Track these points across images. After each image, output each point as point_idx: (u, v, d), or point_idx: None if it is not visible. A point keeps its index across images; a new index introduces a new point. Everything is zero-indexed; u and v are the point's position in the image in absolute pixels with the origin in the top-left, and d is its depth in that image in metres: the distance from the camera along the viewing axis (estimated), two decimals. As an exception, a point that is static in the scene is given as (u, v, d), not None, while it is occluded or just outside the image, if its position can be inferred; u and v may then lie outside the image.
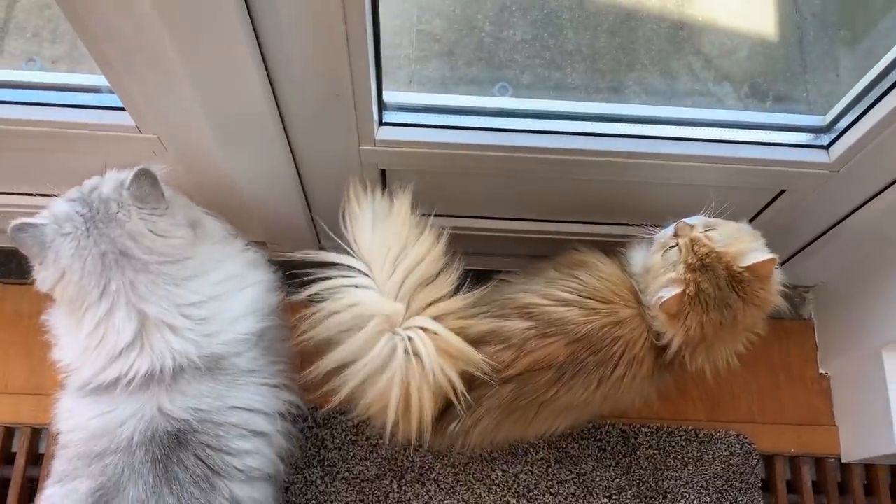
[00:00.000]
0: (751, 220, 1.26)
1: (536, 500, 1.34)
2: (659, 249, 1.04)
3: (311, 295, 1.00)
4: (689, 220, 1.03)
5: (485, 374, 1.02)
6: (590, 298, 1.05)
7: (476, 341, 1.04)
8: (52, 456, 1.00)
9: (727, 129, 1.11)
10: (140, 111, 1.02)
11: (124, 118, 1.04)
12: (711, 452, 1.38)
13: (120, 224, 0.93)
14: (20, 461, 1.34)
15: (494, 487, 1.34)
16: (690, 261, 0.99)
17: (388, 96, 1.05)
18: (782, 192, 1.19)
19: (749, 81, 1.59)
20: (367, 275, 1.01)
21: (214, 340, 0.96)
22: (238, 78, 0.89)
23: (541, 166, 1.11)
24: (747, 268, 0.98)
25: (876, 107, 1.00)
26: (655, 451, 1.38)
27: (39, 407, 1.32)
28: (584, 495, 1.35)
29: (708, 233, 1.01)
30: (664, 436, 1.39)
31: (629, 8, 1.64)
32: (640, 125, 1.11)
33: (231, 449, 0.95)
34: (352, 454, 1.34)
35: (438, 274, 1.04)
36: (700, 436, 1.39)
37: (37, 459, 1.36)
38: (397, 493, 1.33)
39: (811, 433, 1.42)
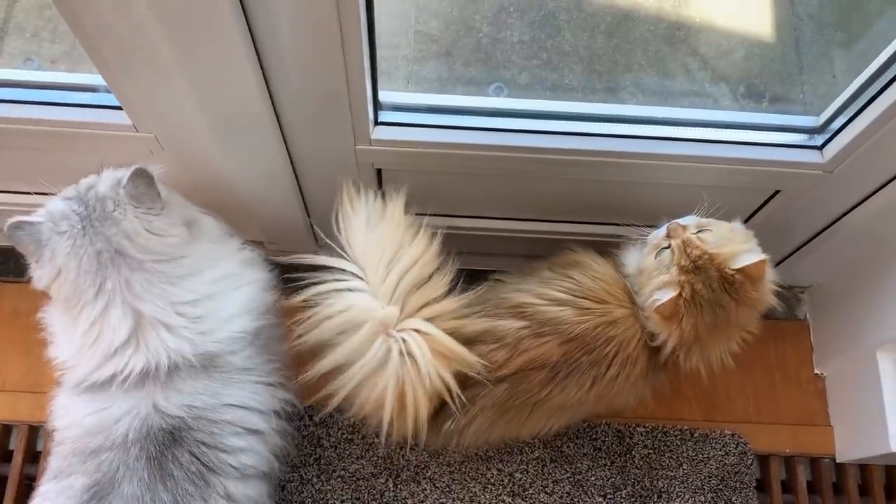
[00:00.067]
0: (746, 221, 1.26)
1: (532, 498, 1.35)
2: (652, 251, 1.04)
3: (305, 299, 1.01)
4: (681, 221, 1.04)
5: (479, 374, 1.03)
6: (584, 298, 1.06)
7: (470, 341, 1.04)
8: (49, 453, 1.00)
9: (722, 130, 1.11)
10: (137, 110, 1.02)
11: (121, 117, 1.04)
12: (706, 452, 1.38)
13: (116, 223, 0.93)
14: (18, 458, 1.34)
15: (490, 486, 1.35)
16: (683, 263, 1.00)
17: (383, 96, 1.06)
18: (777, 192, 1.19)
19: (746, 82, 1.59)
20: (360, 278, 1.01)
21: (209, 338, 0.96)
22: (233, 77, 0.90)
23: (536, 166, 1.12)
24: (738, 270, 0.98)
25: (869, 108, 1.01)
26: (651, 451, 1.38)
27: (37, 404, 1.32)
28: (580, 494, 1.35)
29: (700, 234, 1.01)
30: (659, 435, 1.39)
31: (626, 9, 1.64)
32: (635, 125, 1.12)
33: (226, 446, 0.96)
34: (348, 452, 1.35)
35: (432, 275, 1.04)
36: (695, 435, 1.39)
37: (34, 457, 1.37)
38: (393, 491, 1.33)
39: (806, 433, 1.43)
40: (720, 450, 1.39)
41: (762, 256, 0.99)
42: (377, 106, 1.05)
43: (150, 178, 0.95)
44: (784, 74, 1.62)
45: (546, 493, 1.35)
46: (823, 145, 1.09)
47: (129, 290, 0.93)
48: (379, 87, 1.04)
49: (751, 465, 1.38)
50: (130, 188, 0.95)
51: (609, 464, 1.37)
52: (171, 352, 0.94)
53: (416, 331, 0.99)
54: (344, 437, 1.35)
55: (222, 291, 0.99)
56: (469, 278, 1.07)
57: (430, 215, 1.05)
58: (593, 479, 1.36)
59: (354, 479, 1.34)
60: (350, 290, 1.00)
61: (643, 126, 1.12)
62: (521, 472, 1.36)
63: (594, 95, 1.57)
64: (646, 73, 1.59)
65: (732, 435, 1.40)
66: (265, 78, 0.93)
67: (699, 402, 1.44)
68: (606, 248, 1.13)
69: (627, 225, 1.09)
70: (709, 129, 1.12)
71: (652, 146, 1.10)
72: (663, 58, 1.61)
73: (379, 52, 0.98)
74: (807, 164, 1.10)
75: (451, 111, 1.11)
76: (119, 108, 1.03)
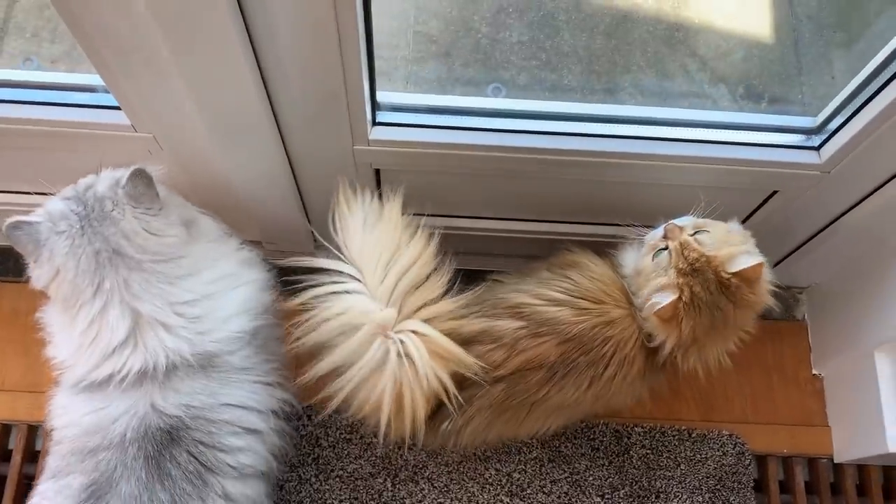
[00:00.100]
0: (744, 221, 1.27)
1: (529, 498, 1.35)
2: (649, 252, 1.04)
3: (303, 302, 1.01)
4: (678, 222, 1.04)
5: (476, 375, 1.03)
6: (581, 298, 1.06)
7: (468, 341, 1.05)
8: (47, 453, 1.00)
9: (719, 131, 1.12)
10: (135, 110, 1.02)
11: (120, 117, 1.04)
12: (704, 452, 1.39)
13: (114, 222, 0.94)
14: (17, 458, 1.34)
15: (488, 486, 1.35)
16: (681, 266, 1.00)
17: (381, 96, 1.06)
18: (774, 192, 1.19)
19: (745, 83, 1.59)
20: (358, 279, 1.01)
21: (207, 338, 0.96)
22: (231, 77, 0.90)
23: (534, 167, 1.12)
24: (735, 273, 0.99)
25: (865, 108, 1.01)
26: (648, 451, 1.39)
27: (36, 404, 1.33)
28: (577, 494, 1.35)
29: (697, 236, 1.01)
30: (657, 435, 1.39)
31: (625, 10, 1.64)
32: (633, 126, 1.12)
33: (224, 446, 0.96)
34: (346, 452, 1.35)
35: (430, 275, 1.04)
36: (693, 436, 1.40)
37: (33, 456, 1.37)
38: (391, 491, 1.33)
39: (804, 433, 1.43)
40: (718, 450, 1.39)
41: (759, 259, 0.99)
42: (375, 106, 1.06)
43: (148, 178, 0.96)
44: (783, 75, 1.62)
45: (544, 493, 1.35)
46: (820, 146, 1.09)
47: (128, 289, 0.93)
48: (378, 87, 1.05)
49: (748, 465, 1.39)
50: (129, 188, 0.95)
51: (607, 464, 1.37)
52: (170, 351, 0.94)
53: (414, 332, 0.99)
54: (342, 436, 1.36)
55: (220, 291, 1.00)
56: (466, 278, 1.07)
57: (428, 215, 1.06)
58: (591, 479, 1.36)
59: (352, 478, 1.34)
60: (347, 292, 1.00)
61: (641, 127, 1.12)
62: (519, 472, 1.36)
63: (593, 96, 1.57)
64: (645, 74, 1.59)
65: (730, 435, 1.40)
66: (263, 78, 0.93)
67: (697, 402, 1.44)
68: (604, 249, 1.13)
69: (625, 225, 1.10)
70: (706, 130, 1.12)
71: (649, 147, 1.10)
72: (662, 59, 1.61)
73: (378, 53, 0.98)
74: (804, 164, 1.10)
75: (450, 111, 1.11)
76: (118, 108, 1.03)
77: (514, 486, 1.35)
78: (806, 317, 1.51)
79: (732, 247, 1.01)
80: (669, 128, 1.11)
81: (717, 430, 1.40)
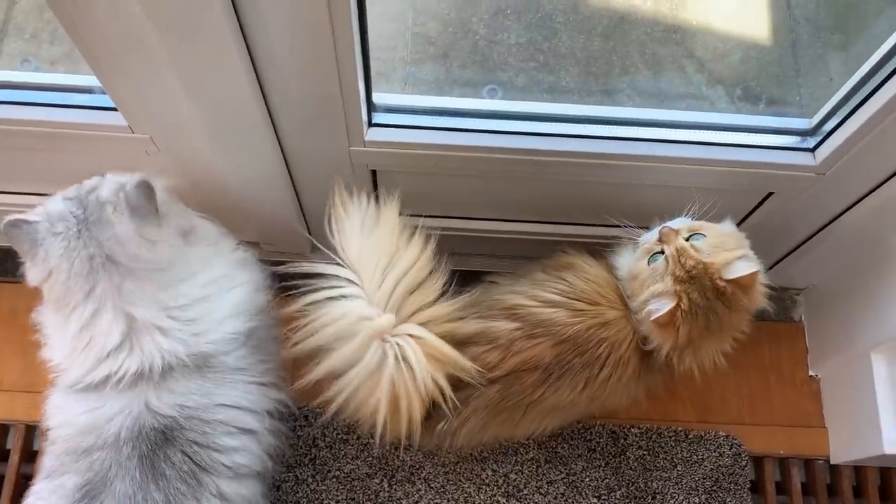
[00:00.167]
0: (741, 222, 1.27)
1: (526, 499, 1.35)
2: (644, 255, 1.04)
3: (300, 308, 1.01)
4: (672, 225, 1.03)
5: (472, 378, 1.03)
6: (576, 300, 1.06)
7: (463, 342, 1.05)
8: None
9: (714, 132, 1.12)
10: (132, 112, 1.03)
11: (117, 118, 1.05)
12: (701, 453, 1.39)
13: (111, 228, 0.94)
14: (14, 458, 1.35)
15: (484, 487, 1.35)
16: (678, 273, 1.00)
17: (377, 98, 1.06)
18: (770, 194, 1.19)
19: (742, 85, 1.60)
20: (355, 283, 1.01)
21: (202, 339, 0.96)
22: (226, 79, 0.90)
23: (528, 167, 1.12)
24: (730, 281, 0.99)
25: (860, 110, 1.01)
26: (645, 452, 1.39)
27: (33, 404, 1.33)
28: (574, 495, 1.35)
29: (693, 242, 1.01)
30: (654, 436, 1.40)
31: (623, 11, 1.65)
32: (629, 128, 1.12)
33: (218, 446, 0.96)
34: (343, 453, 1.35)
35: (426, 279, 1.04)
36: (689, 437, 1.40)
37: (31, 456, 1.37)
38: (388, 491, 1.34)
39: (801, 435, 1.43)
40: (714, 451, 1.39)
41: (755, 268, 0.99)
42: (371, 108, 1.06)
43: (151, 191, 0.95)
44: (781, 77, 1.62)
45: (540, 493, 1.35)
46: (815, 148, 1.09)
47: (121, 295, 0.94)
48: (376, 88, 1.05)
49: (745, 466, 1.39)
50: (131, 197, 0.94)
51: (603, 465, 1.37)
52: (165, 353, 0.94)
53: (411, 336, 1.00)
54: (339, 437, 1.36)
55: (215, 293, 1.00)
56: (462, 279, 1.08)
57: (424, 216, 1.06)
58: (588, 479, 1.36)
59: (349, 479, 1.34)
60: (345, 296, 1.00)
61: (636, 128, 1.12)
62: (516, 473, 1.36)
63: (591, 98, 1.57)
64: (642, 76, 1.59)
65: (727, 436, 1.40)
66: (258, 80, 0.93)
67: (694, 403, 1.44)
68: (599, 250, 1.13)
69: (620, 226, 1.10)
70: (701, 132, 1.12)
71: (645, 148, 1.11)
72: (660, 60, 1.62)
73: (377, 54, 0.99)
74: (799, 166, 1.10)
75: (446, 113, 1.11)
76: (114, 109, 1.03)
77: (510, 487, 1.35)
78: (803, 318, 1.51)
79: (728, 252, 1.00)
80: (664, 129, 1.12)
81: (714, 432, 1.40)
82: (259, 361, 1.03)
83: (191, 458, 0.94)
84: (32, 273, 0.95)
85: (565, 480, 1.36)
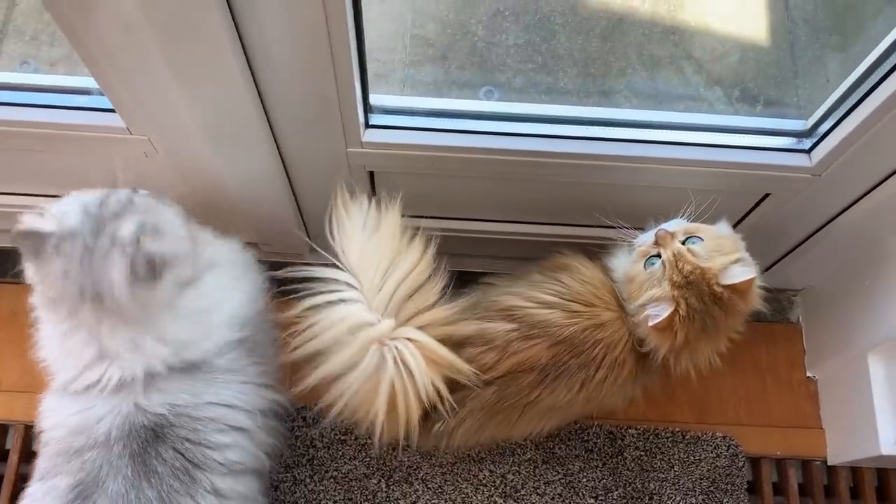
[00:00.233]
0: (738, 223, 1.27)
1: (523, 500, 1.35)
2: (640, 258, 1.04)
3: (300, 312, 1.01)
4: (668, 227, 1.04)
5: (469, 380, 1.03)
6: (572, 301, 1.06)
7: (460, 343, 1.05)
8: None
9: (710, 134, 1.12)
10: (130, 113, 1.03)
11: (115, 120, 1.05)
12: (698, 454, 1.39)
13: (110, 272, 0.90)
14: (13, 458, 1.35)
15: (482, 487, 1.36)
16: (676, 279, 1.00)
17: (374, 99, 1.07)
18: (767, 195, 1.20)
19: (740, 86, 1.60)
20: (355, 287, 1.01)
21: (190, 351, 0.96)
22: (223, 81, 0.91)
23: (525, 169, 1.13)
24: (727, 286, 0.99)
25: (855, 111, 1.01)
26: (642, 453, 1.39)
27: (33, 404, 1.31)
28: (571, 496, 1.36)
29: (690, 246, 1.01)
30: (651, 437, 1.40)
31: (621, 13, 1.65)
32: (624, 129, 1.12)
33: (210, 443, 0.96)
34: (341, 453, 1.36)
35: (426, 282, 1.04)
36: (687, 437, 1.40)
37: (30, 457, 1.38)
38: (385, 492, 1.34)
39: (798, 436, 1.43)
40: (711, 452, 1.39)
41: (751, 274, 0.99)
42: (367, 109, 1.06)
43: (162, 265, 0.92)
44: (779, 78, 1.62)
45: (538, 494, 1.36)
46: (811, 149, 1.10)
47: (99, 328, 0.92)
48: (375, 90, 1.06)
49: (742, 467, 1.39)
50: (137, 265, 0.90)
51: (601, 465, 1.38)
52: (147, 365, 0.93)
53: (410, 340, 1.00)
54: (337, 437, 1.36)
55: (208, 308, 0.98)
56: (459, 280, 1.08)
57: (422, 217, 1.06)
58: (585, 480, 1.37)
59: (347, 479, 1.35)
60: (343, 300, 1.00)
61: (633, 130, 1.13)
62: (513, 474, 1.37)
63: (589, 99, 1.58)
64: (640, 77, 1.59)
65: (724, 437, 1.40)
66: (255, 81, 0.94)
67: (691, 404, 1.44)
68: (595, 251, 1.14)
69: (616, 227, 1.10)
70: (698, 133, 1.12)
71: (641, 149, 1.11)
72: (658, 62, 1.62)
73: (376, 56, 0.99)
74: (795, 167, 1.10)
75: (442, 114, 1.12)
76: (112, 110, 1.04)
77: (507, 488, 1.36)
78: (800, 319, 1.51)
79: (724, 256, 1.01)
80: (660, 131, 1.12)
81: (711, 432, 1.41)
82: (253, 363, 1.03)
83: (182, 455, 0.94)
84: (29, 272, 0.95)
85: (562, 481, 1.36)
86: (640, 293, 1.03)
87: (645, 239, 1.06)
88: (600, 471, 1.37)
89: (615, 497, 1.36)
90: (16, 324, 1.43)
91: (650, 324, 1.00)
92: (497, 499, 1.35)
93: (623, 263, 1.09)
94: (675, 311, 1.00)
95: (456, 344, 1.05)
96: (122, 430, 0.93)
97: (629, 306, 1.06)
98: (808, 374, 1.47)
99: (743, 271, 1.00)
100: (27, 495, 0.96)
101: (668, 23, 1.65)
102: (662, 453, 1.39)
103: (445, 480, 1.35)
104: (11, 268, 1.44)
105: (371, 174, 1.18)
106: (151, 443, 0.93)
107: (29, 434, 1.39)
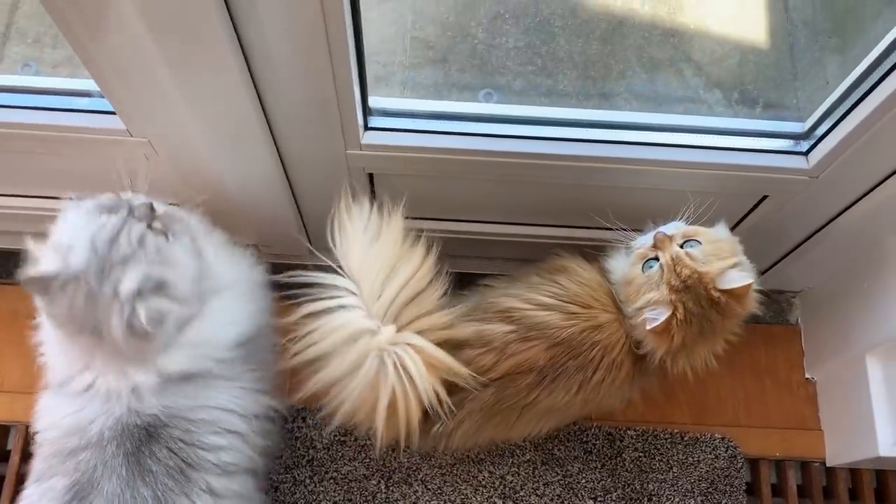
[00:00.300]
0: (736, 225, 1.27)
1: (522, 501, 1.35)
2: (638, 261, 1.05)
3: (299, 318, 1.01)
4: (666, 230, 1.04)
5: (468, 384, 1.04)
6: (570, 303, 1.07)
7: (458, 345, 1.06)
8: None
9: (709, 136, 1.12)
10: (130, 115, 1.03)
11: (115, 122, 1.05)
12: (696, 455, 1.39)
13: (110, 316, 0.88)
14: (14, 458, 1.36)
15: (481, 488, 1.36)
16: (674, 283, 1.00)
17: (373, 102, 1.07)
18: (765, 197, 1.20)
19: (740, 88, 1.60)
20: (354, 293, 1.01)
21: (183, 365, 0.95)
22: (223, 83, 0.91)
23: (523, 171, 1.13)
24: (724, 291, 0.99)
25: (852, 113, 1.01)
26: (641, 454, 1.39)
27: (33, 405, 1.34)
28: (570, 497, 1.36)
29: (688, 249, 1.02)
30: (650, 438, 1.40)
31: (621, 16, 1.65)
32: (623, 131, 1.12)
33: (204, 444, 0.96)
34: (340, 454, 1.36)
35: (426, 288, 1.05)
36: (685, 439, 1.40)
37: (31, 457, 1.38)
38: (385, 493, 1.34)
39: (797, 437, 1.43)
40: (710, 453, 1.39)
41: (749, 279, 0.99)
42: (367, 111, 1.07)
43: (159, 326, 0.90)
44: (778, 80, 1.62)
45: (537, 495, 1.36)
46: (808, 151, 1.10)
47: (92, 358, 0.92)
48: (375, 92, 1.06)
49: (741, 468, 1.39)
50: (134, 325, 0.88)
51: (600, 467, 1.38)
52: (137, 383, 0.94)
53: (409, 345, 1.00)
54: (336, 438, 1.37)
55: (209, 337, 0.98)
56: (458, 282, 1.08)
57: (421, 219, 1.07)
58: (584, 481, 1.37)
59: (346, 480, 1.35)
60: (343, 307, 1.01)
61: (631, 132, 1.13)
62: (513, 475, 1.37)
63: (588, 101, 1.58)
64: (640, 80, 1.60)
65: (723, 438, 1.40)
66: (254, 83, 0.94)
67: (690, 405, 1.45)
68: (592, 253, 1.14)
69: (614, 229, 1.10)
70: (696, 135, 1.12)
71: (640, 152, 1.11)
72: (658, 64, 1.62)
73: (376, 58, 0.99)
74: (792, 169, 1.11)
75: (441, 116, 1.12)
76: (113, 113, 1.04)
77: (507, 489, 1.36)
78: (799, 321, 1.52)
79: (722, 261, 1.01)
80: (659, 133, 1.12)
81: (710, 434, 1.41)
82: (249, 370, 1.02)
83: (176, 455, 0.94)
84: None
85: (562, 482, 1.37)
86: (637, 296, 1.03)
87: (643, 241, 1.06)
88: (599, 472, 1.38)
89: (614, 498, 1.36)
90: (16, 324, 1.43)
91: (648, 327, 1.01)
92: (496, 500, 1.35)
93: (621, 265, 1.09)
94: (673, 314, 1.00)
95: (454, 346, 1.05)
96: (114, 430, 0.93)
97: (626, 308, 1.06)
98: (807, 375, 1.47)
99: (740, 276, 1.00)
100: (24, 497, 0.96)
101: (668, 25, 1.65)
102: (661, 454, 1.39)
103: (445, 481, 1.36)
104: (12, 268, 1.46)
105: (370, 176, 1.19)
106: (145, 442, 0.93)
107: (30, 435, 1.39)
